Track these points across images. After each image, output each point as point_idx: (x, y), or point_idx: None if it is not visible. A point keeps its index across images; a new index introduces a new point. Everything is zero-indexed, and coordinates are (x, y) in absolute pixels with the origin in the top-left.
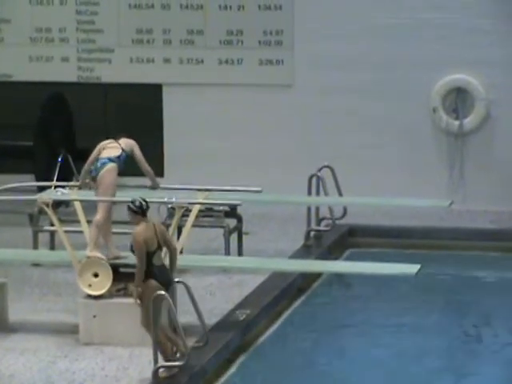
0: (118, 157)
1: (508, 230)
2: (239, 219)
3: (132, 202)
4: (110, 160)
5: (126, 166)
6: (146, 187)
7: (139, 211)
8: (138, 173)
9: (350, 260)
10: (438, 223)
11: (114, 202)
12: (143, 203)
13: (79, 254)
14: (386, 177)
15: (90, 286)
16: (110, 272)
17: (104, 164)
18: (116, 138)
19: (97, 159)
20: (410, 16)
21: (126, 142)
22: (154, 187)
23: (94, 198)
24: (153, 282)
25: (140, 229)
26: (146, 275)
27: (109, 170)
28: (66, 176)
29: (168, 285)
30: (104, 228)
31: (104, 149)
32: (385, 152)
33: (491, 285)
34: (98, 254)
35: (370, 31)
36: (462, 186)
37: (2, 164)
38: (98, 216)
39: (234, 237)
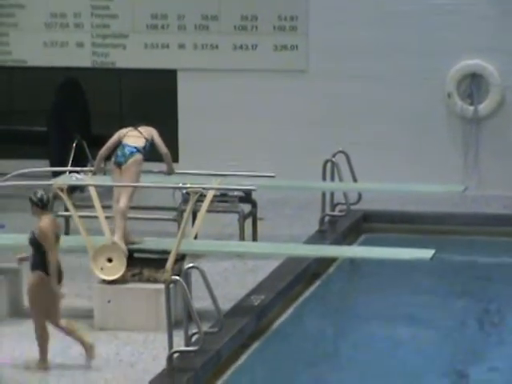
0: (144, 147)
1: None
2: (254, 205)
3: (34, 194)
4: (138, 150)
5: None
6: (161, 172)
7: (39, 204)
8: (153, 158)
9: (365, 245)
10: (452, 209)
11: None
12: (44, 196)
13: (94, 239)
14: (400, 162)
15: (103, 270)
16: (124, 257)
17: (132, 154)
18: (135, 126)
19: (123, 146)
20: (425, 2)
21: (147, 131)
22: (170, 172)
23: (109, 184)
24: (42, 275)
25: (46, 222)
26: (39, 267)
27: (136, 161)
28: (80, 161)
29: (60, 279)
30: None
31: (125, 136)
32: (399, 137)
33: (505, 270)
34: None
35: (384, 17)
36: (477, 172)
37: (17, 149)
38: (122, 204)
39: (249, 222)
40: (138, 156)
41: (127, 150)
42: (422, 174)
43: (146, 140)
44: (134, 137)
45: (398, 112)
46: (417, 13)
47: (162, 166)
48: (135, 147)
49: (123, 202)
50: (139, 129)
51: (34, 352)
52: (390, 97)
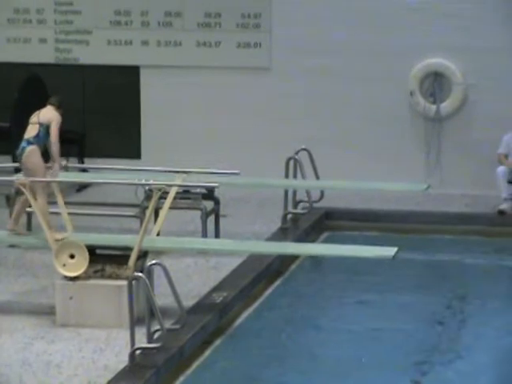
0: (37, 135)
1: (483, 213)
2: (216, 202)
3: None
4: (29, 143)
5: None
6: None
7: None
8: (116, 155)
9: (327, 243)
10: (414, 207)
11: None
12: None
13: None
14: (363, 160)
15: (65, 266)
16: (87, 253)
17: (23, 149)
18: (47, 104)
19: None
20: (388, 0)
21: (46, 114)
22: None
23: (71, 179)
24: None
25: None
26: None
27: (29, 156)
28: (43, 157)
29: None
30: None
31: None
32: (362, 135)
33: (467, 268)
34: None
35: (347, 15)
36: (439, 170)
37: None
38: (39, 201)
39: (211, 219)
40: (30, 148)
41: (21, 146)
42: (384, 172)
43: (41, 125)
44: (31, 125)
45: (361, 110)
46: (379, 10)
47: (126, 163)
48: (26, 140)
49: (39, 199)
50: (42, 110)
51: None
52: (352, 94)
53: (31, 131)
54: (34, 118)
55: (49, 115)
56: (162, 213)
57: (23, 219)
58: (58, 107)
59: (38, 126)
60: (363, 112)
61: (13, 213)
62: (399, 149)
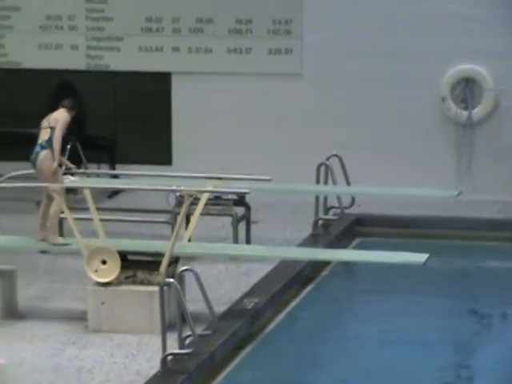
0: (49, 139)
1: None
2: (247, 208)
3: None
4: (42, 147)
5: (132, 154)
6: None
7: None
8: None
9: (358, 249)
10: (445, 213)
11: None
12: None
13: (88, 242)
14: (394, 166)
15: (97, 272)
16: (118, 259)
17: (37, 154)
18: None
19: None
20: (420, 6)
21: (56, 116)
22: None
23: (103, 186)
24: None
25: None
26: None
27: (43, 161)
28: (74, 164)
29: None
30: (46, 212)
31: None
32: (393, 141)
33: (499, 275)
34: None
35: (379, 21)
36: (470, 176)
37: (11, 151)
38: (53, 205)
39: (242, 225)
40: (43, 153)
41: (34, 151)
42: (415, 178)
43: (52, 128)
44: (42, 130)
45: (392, 116)
46: (411, 17)
47: (157, 169)
48: (39, 145)
49: (54, 204)
50: (53, 114)
51: (28, 353)
52: (384, 100)
53: (43, 135)
54: (45, 123)
55: (57, 117)
56: (194, 219)
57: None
58: (70, 109)
59: (49, 129)
60: (394, 118)
61: (40, 219)
62: (430, 155)
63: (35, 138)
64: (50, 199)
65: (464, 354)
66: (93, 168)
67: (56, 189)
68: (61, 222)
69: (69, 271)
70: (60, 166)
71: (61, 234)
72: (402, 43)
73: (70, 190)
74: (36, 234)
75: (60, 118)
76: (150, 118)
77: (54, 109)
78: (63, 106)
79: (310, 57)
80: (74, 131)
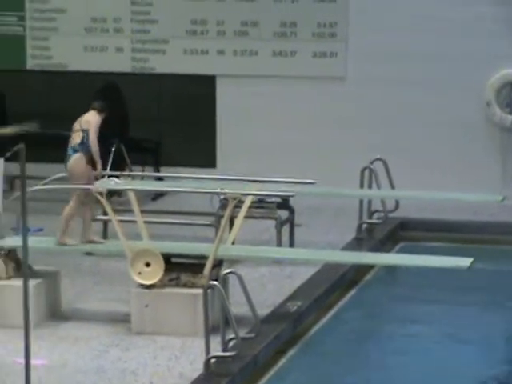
0: (81, 142)
1: None
2: (291, 211)
3: None
4: (74, 150)
5: (176, 156)
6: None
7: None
8: (191, 163)
9: (402, 253)
10: (489, 218)
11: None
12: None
13: (132, 244)
14: (438, 170)
15: (141, 274)
16: (162, 262)
17: (69, 157)
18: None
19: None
20: (464, 9)
21: (88, 118)
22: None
23: (147, 188)
24: None
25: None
26: None
27: (74, 164)
28: (119, 166)
29: None
30: (75, 213)
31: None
32: (437, 145)
33: None
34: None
35: (423, 24)
36: None
37: (56, 153)
38: (69, 206)
39: (286, 229)
40: (75, 156)
41: (67, 154)
42: (460, 183)
43: (83, 131)
44: (74, 132)
45: (436, 119)
46: (456, 20)
47: (201, 172)
48: (72, 148)
49: (70, 205)
50: (84, 116)
51: (71, 354)
52: (428, 104)
53: (76, 138)
54: (76, 126)
55: (89, 119)
56: (237, 222)
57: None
58: (100, 111)
59: (80, 132)
60: (438, 122)
61: (84, 223)
62: (475, 159)
63: None
64: (87, 202)
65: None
66: (137, 170)
67: (92, 191)
68: (105, 223)
69: (112, 273)
70: (93, 167)
71: (105, 235)
72: (448, 46)
73: (114, 192)
74: (79, 236)
75: (92, 120)
76: (195, 121)
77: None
78: (93, 108)
79: (354, 60)
80: (118, 133)
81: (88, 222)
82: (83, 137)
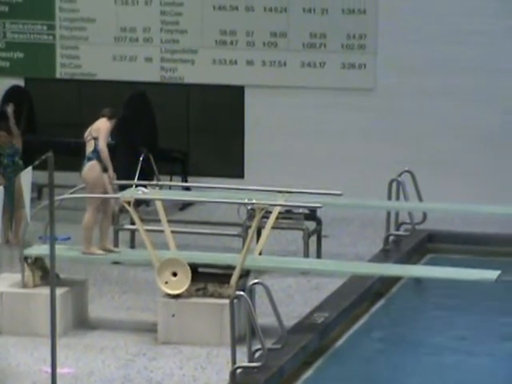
0: (94, 150)
1: None
2: (319, 222)
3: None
4: (89, 159)
5: (204, 167)
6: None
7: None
8: (219, 173)
9: (429, 265)
10: None
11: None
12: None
13: (159, 253)
14: (467, 182)
15: (167, 284)
16: (189, 272)
17: (84, 165)
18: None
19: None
20: (494, 21)
21: (98, 126)
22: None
23: (175, 198)
24: None
25: None
26: None
27: (87, 172)
28: (147, 175)
29: None
30: (94, 221)
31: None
32: (466, 157)
33: None
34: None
35: (452, 36)
36: None
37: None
38: (87, 215)
39: (313, 240)
40: (88, 165)
41: (83, 163)
42: (488, 195)
43: (95, 139)
44: (87, 142)
45: (465, 131)
46: (486, 32)
47: (229, 182)
48: (87, 157)
49: (87, 214)
50: (94, 124)
51: (98, 363)
52: (458, 115)
53: (89, 147)
54: (87, 135)
55: (99, 127)
56: (265, 232)
57: (125, 236)
58: (110, 118)
59: (92, 141)
60: (467, 134)
61: (100, 231)
62: (504, 172)
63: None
64: (104, 210)
65: None
66: (165, 180)
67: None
68: (132, 233)
69: (140, 283)
70: (105, 170)
71: (132, 245)
72: (476, 59)
73: (142, 202)
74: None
75: (101, 127)
76: (223, 131)
77: (127, 120)
78: (103, 115)
79: (383, 71)
80: (146, 143)
81: (105, 231)
82: (95, 144)
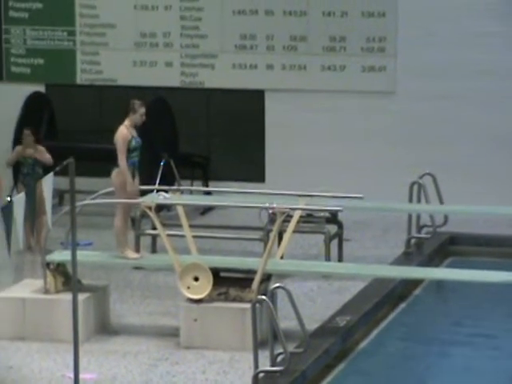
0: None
1: None
2: (340, 225)
3: None
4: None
5: (225, 171)
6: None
7: None
8: (240, 178)
9: (451, 268)
10: None
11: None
12: None
13: (181, 258)
14: (487, 185)
15: (189, 289)
16: (211, 276)
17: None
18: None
19: None
20: None
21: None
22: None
23: (196, 202)
24: None
25: None
26: None
27: (112, 178)
28: (168, 180)
29: None
30: (126, 224)
31: None
32: (486, 160)
33: None
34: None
35: (473, 39)
36: None
37: (105, 167)
38: (117, 220)
39: (335, 243)
40: (114, 171)
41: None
42: (508, 197)
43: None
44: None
45: (485, 134)
46: (507, 35)
47: (250, 186)
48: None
49: (116, 219)
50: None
51: (120, 368)
52: (478, 118)
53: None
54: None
55: (116, 138)
56: (286, 236)
57: (147, 241)
58: (127, 113)
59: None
60: (488, 137)
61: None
62: None
63: None
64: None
65: None
66: (186, 185)
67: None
68: (154, 238)
69: (161, 287)
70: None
71: (153, 250)
72: (496, 62)
73: (163, 207)
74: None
75: (117, 138)
76: (244, 135)
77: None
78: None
79: (403, 75)
80: (167, 148)
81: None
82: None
